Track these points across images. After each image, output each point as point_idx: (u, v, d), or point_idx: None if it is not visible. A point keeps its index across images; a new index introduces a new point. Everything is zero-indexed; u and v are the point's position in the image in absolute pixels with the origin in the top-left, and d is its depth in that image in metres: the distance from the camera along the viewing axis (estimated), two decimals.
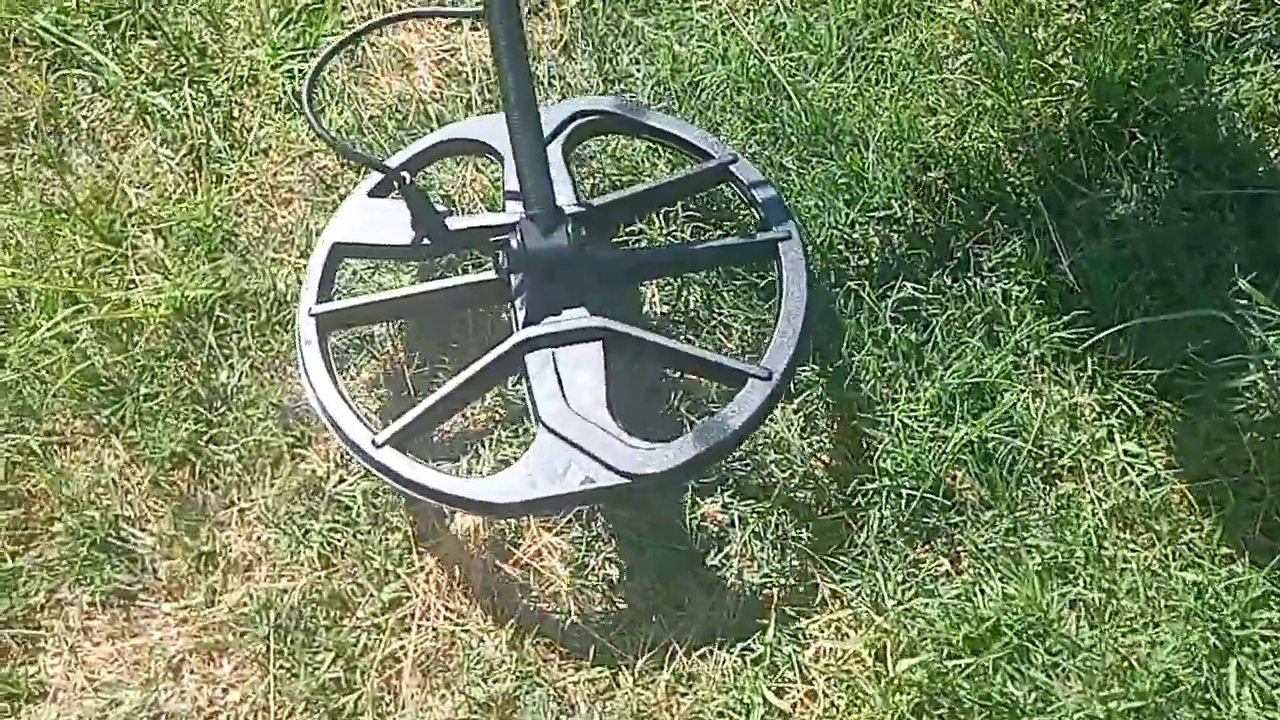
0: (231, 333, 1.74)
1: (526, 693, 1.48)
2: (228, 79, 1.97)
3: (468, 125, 1.77)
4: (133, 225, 1.83)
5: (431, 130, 1.86)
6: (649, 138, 1.77)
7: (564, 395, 1.47)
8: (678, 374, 1.67)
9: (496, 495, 1.44)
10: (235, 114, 1.95)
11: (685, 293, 1.73)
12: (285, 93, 1.94)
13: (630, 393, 1.61)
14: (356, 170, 1.87)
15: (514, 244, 1.53)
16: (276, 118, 1.93)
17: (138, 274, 1.78)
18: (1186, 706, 1.37)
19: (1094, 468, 1.55)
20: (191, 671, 1.53)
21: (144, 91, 1.96)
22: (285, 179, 1.88)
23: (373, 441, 1.46)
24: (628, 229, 1.77)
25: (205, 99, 1.95)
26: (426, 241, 1.62)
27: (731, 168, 1.66)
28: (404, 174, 1.60)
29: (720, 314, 1.72)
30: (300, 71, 1.95)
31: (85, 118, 1.96)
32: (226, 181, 1.87)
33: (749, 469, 1.60)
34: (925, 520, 1.54)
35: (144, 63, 1.99)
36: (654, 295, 1.75)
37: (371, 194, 1.67)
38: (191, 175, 1.89)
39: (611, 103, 1.75)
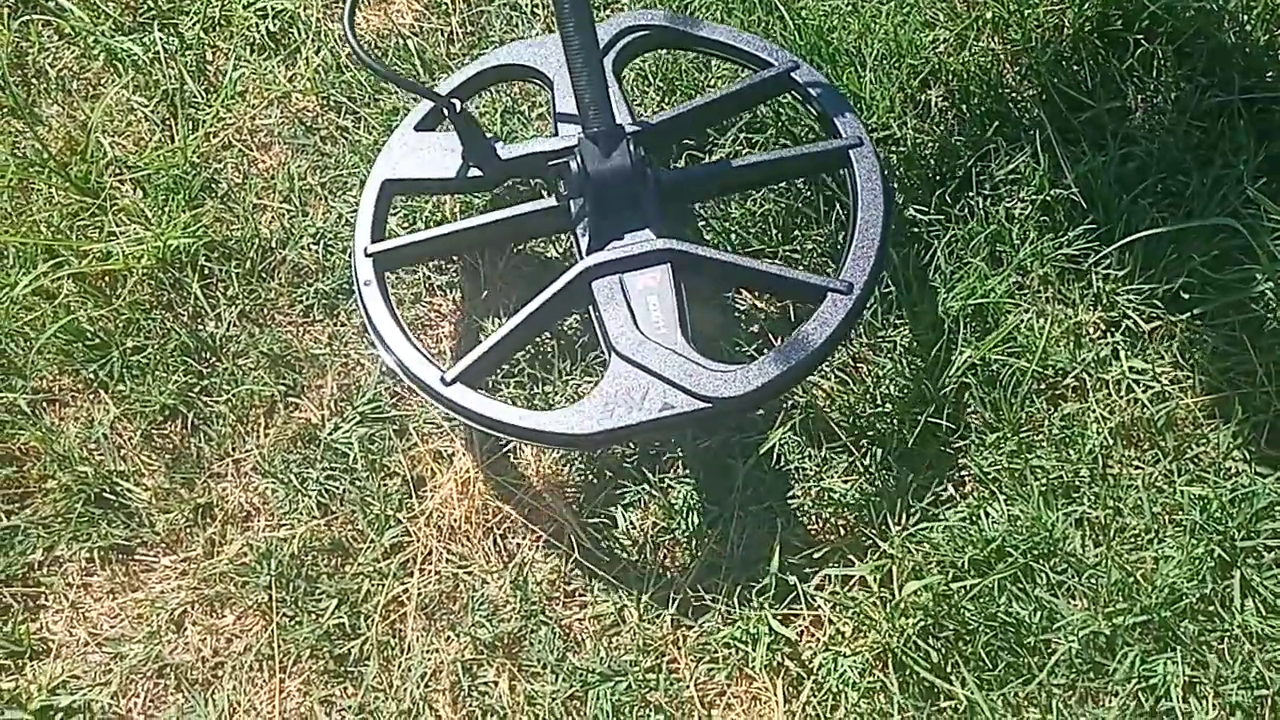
0: (217, 282, 1.85)
1: (532, 631, 1.61)
2: (198, 20, 2.07)
3: (514, 50, 1.80)
4: (109, 176, 1.94)
5: (412, 66, 1.97)
6: (703, 50, 1.83)
7: (635, 321, 1.55)
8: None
9: (574, 426, 1.51)
10: (209, 57, 2.05)
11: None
12: (260, 33, 2.04)
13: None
14: (338, 111, 1.97)
15: (574, 167, 1.61)
16: (251, 59, 2.03)
17: (117, 225, 1.89)
18: (1190, 619, 1.49)
19: (1099, 386, 1.65)
20: (194, 623, 1.66)
21: (112, 37, 2.06)
22: (264, 122, 1.98)
23: (442, 379, 1.54)
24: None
25: (176, 42, 2.05)
26: (479, 172, 1.69)
27: (794, 75, 1.72)
28: (454, 101, 1.65)
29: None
30: (274, 10, 2.04)
31: (53, 66, 2.07)
32: (203, 127, 1.97)
33: None
34: (930, 445, 1.65)
35: (110, 6, 2.09)
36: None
37: (419, 127, 1.74)
38: (167, 122, 1.99)
39: (663, 15, 1.80)
